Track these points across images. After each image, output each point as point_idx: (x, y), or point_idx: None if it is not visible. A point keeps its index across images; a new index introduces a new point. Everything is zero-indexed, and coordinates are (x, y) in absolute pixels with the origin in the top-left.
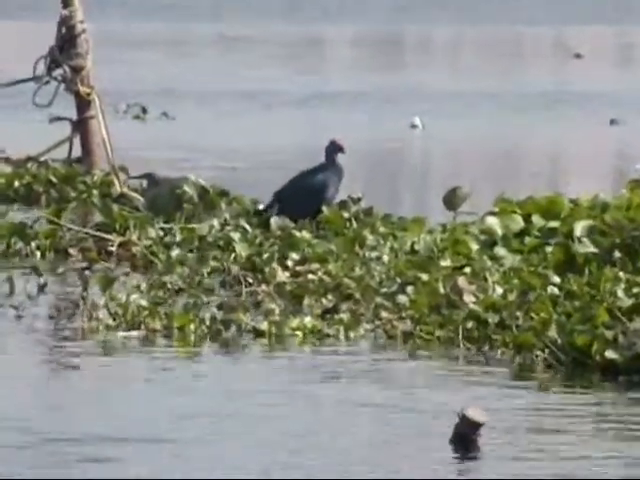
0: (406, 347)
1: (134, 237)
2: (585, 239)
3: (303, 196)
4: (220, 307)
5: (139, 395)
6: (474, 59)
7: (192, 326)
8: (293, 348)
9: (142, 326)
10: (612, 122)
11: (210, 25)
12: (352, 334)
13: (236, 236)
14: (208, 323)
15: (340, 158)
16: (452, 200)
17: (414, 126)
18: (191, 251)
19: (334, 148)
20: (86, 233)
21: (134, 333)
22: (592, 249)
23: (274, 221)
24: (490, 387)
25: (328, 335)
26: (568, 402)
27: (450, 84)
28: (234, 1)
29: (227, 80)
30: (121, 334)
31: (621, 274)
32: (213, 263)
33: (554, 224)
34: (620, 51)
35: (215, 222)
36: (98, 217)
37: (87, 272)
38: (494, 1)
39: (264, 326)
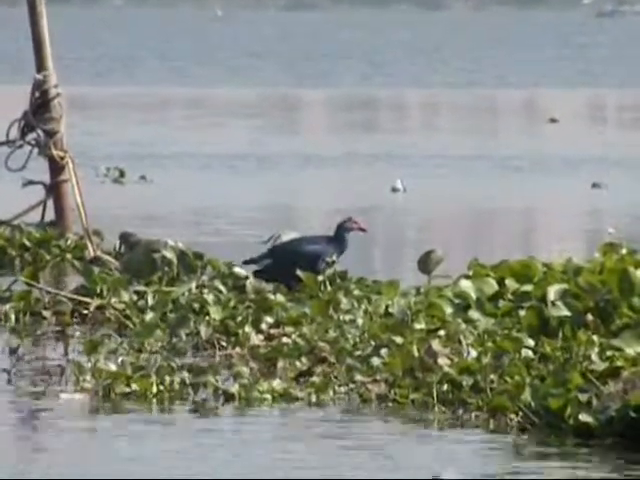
0: (380, 410)
1: (113, 300)
2: (559, 302)
3: (295, 261)
4: (190, 370)
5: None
6: (449, 122)
7: (154, 389)
8: (262, 411)
9: (111, 391)
10: (594, 185)
11: (186, 88)
12: (323, 397)
13: (210, 299)
14: (177, 386)
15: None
16: (426, 263)
17: (395, 189)
18: (165, 314)
19: (348, 227)
20: (64, 296)
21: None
22: (565, 312)
23: (249, 283)
24: (465, 450)
25: (298, 398)
26: (542, 465)
27: (427, 147)
28: (206, 64)
29: (204, 142)
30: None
31: (594, 337)
32: (187, 326)
33: (528, 288)
34: (594, 114)
35: (193, 285)
36: (72, 280)
37: (68, 334)
38: (465, 64)
39: (234, 389)
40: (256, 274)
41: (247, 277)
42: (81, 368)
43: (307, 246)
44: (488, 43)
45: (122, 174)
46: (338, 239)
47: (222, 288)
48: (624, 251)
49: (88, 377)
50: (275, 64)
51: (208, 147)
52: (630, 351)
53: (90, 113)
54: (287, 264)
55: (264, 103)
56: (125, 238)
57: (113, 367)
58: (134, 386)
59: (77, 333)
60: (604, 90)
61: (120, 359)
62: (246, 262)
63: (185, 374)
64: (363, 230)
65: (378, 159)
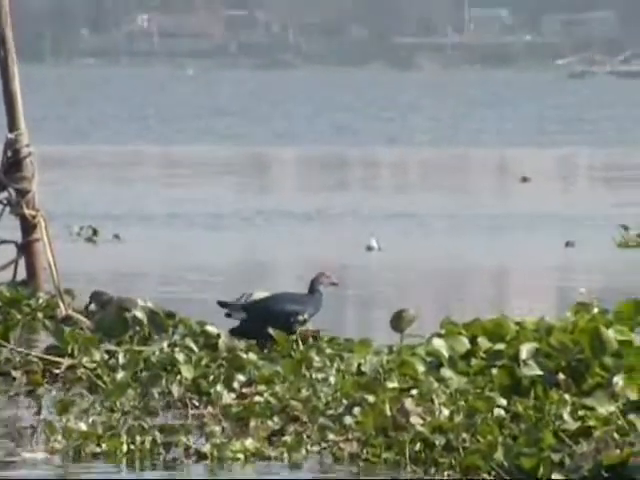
0: (352, 469)
1: (84, 360)
2: (530, 362)
3: (271, 320)
4: (162, 429)
5: None
6: (422, 181)
7: (125, 449)
8: (235, 471)
9: (81, 451)
10: (568, 244)
11: (159, 147)
12: (296, 456)
13: (181, 358)
14: (148, 446)
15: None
16: (399, 322)
17: (370, 248)
18: (136, 373)
19: (322, 282)
20: (35, 356)
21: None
22: (537, 372)
23: (222, 342)
24: None
25: (270, 458)
26: None
27: (401, 206)
28: (178, 122)
29: (178, 201)
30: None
31: (566, 397)
32: (159, 385)
33: (500, 346)
34: (565, 173)
35: (165, 344)
36: (43, 339)
37: (39, 394)
38: (437, 123)
39: (206, 449)
40: (232, 332)
41: (219, 335)
42: (52, 428)
43: (283, 305)
44: (460, 103)
45: (95, 233)
46: (314, 295)
47: (194, 347)
48: (596, 310)
49: (59, 437)
50: (248, 122)
51: (181, 206)
52: (602, 410)
53: (62, 172)
54: (262, 322)
55: (237, 161)
56: (96, 298)
57: (84, 427)
58: (104, 446)
59: (49, 393)
60: (575, 149)
61: (91, 419)
62: (221, 304)
63: (156, 433)
64: (334, 284)
65: (352, 218)
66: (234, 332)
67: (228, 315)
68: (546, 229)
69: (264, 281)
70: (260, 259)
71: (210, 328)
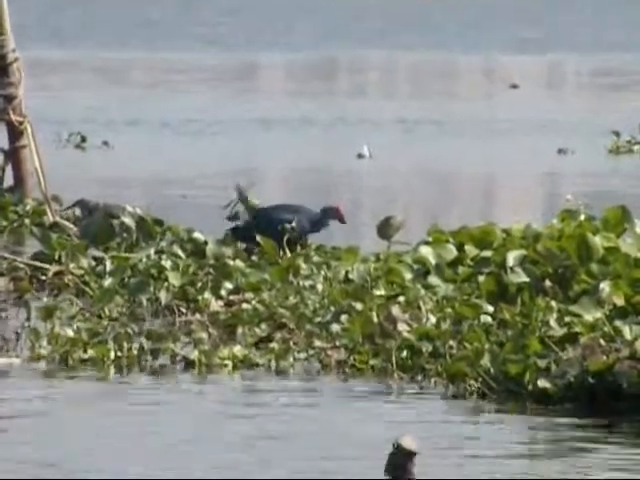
0: (339, 376)
1: (71, 266)
2: (517, 268)
3: (270, 225)
4: (149, 336)
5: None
6: (412, 86)
7: (112, 356)
8: (223, 377)
9: (69, 356)
10: (560, 151)
11: (144, 53)
12: (283, 363)
13: (168, 265)
14: (136, 352)
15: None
16: (386, 229)
17: (361, 155)
18: (123, 280)
19: (332, 214)
20: (21, 262)
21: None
22: (524, 279)
23: (209, 249)
24: (424, 416)
25: (258, 364)
26: (501, 430)
27: (392, 111)
28: (165, 29)
29: (166, 108)
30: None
31: (553, 303)
32: (147, 292)
33: (487, 254)
34: (554, 80)
35: (152, 251)
36: (30, 246)
37: (26, 301)
38: (424, 28)
39: (194, 355)
40: (233, 234)
41: (206, 242)
42: (36, 334)
43: (287, 214)
44: (449, 8)
45: (84, 139)
46: (320, 222)
47: (181, 254)
48: (582, 217)
49: (44, 343)
50: (235, 29)
51: (171, 113)
52: (588, 317)
53: (50, 78)
54: (268, 228)
55: (225, 68)
56: (83, 205)
57: (70, 333)
58: (91, 352)
59: (36, 300)
60: (563, 56)
61: (77, 325)
62: (230, 218)
63: (144, 340)
64: (342, 222)
65: (342, 125)
66: (236, 234)
67: (234, 219)
68: (537, 136)
69: (254, 189)
70: (250, 166)
71: (198, 235)
